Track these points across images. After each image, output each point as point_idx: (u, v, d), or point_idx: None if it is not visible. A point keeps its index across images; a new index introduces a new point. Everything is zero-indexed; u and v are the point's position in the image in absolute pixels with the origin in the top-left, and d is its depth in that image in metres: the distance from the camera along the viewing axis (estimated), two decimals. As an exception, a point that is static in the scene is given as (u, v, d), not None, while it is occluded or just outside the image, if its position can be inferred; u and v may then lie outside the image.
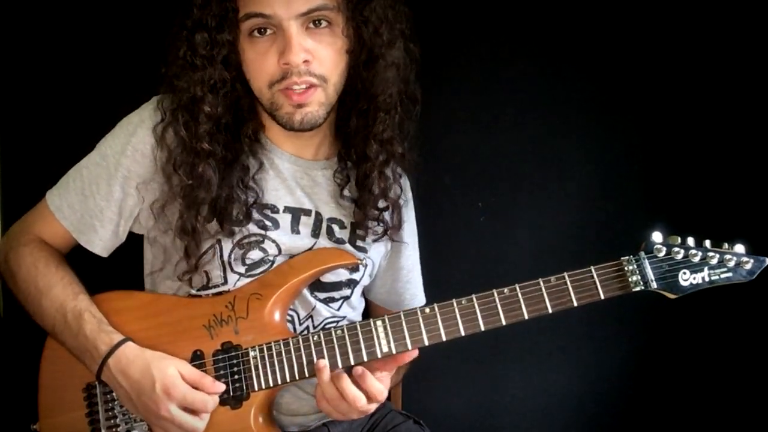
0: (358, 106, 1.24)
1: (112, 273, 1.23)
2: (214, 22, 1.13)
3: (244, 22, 1.13)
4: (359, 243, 1.29)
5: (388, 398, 1.49)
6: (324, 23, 1.14)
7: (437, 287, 1.44)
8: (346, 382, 1.09)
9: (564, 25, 1.72)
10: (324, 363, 1.10)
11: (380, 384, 1.11)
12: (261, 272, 1.20)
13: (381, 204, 1.28)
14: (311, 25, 1.14)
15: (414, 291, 1.44)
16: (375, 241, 1.30)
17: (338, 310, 1.28)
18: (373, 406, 1.12)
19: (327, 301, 1.27)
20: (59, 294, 1.17)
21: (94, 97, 1.55)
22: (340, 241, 1.27)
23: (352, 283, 1.29)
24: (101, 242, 1.23)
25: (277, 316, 1.18)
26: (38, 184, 1.27)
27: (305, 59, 1.12)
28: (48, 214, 1.23)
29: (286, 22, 1.11)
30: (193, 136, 1.15)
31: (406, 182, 1.38)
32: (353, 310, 1.33)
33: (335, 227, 1.27)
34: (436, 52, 1.56)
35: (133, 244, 1.28)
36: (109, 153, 1.20)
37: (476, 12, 1.72)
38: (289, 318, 1.22)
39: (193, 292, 1.21)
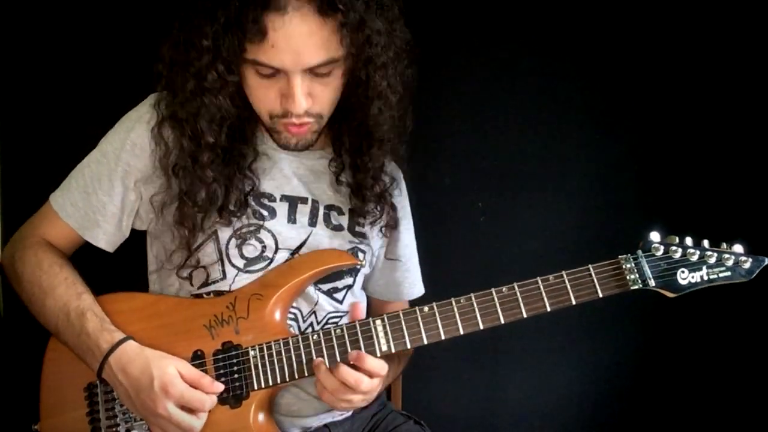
0: (351, 123, 1.25)
1: (116, 273, 1.23)
2: (223, 66, 1.12)
3: (251, 63, 1.12)
4: (358, 228, 1.30)
5: (388, 398, 1.49)
6: (328, 72, 1.14)
7: (436, 286, 1.44)
8: (344, 370, 1.10)
9: (564, 26, 1.72)
10: (320, 360, 1.11)
11: (378, 360, 1.12)
12: (259, 269, 1.21)
13: (377, 188, 1.30)
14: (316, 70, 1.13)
15: (413, 279, 1.44)
16: (372, 223, 1.31)
17: (341, 302, 1.29)
18: (377, 383, 1.13)
19: (330, 293, 1.27)
20: (63, 294, 1.17)
21: (95, 98, 1.56)
22: (338, 228, 1.28)
23: (353, 271, 1.30)
24: (105, 236, 1.24)
25: (277, 315, 1.18)
26: (38, 185, 1.27)
27: (306, 107, 1.13)
28: (52, 214, 1.24)
29: (292, 73, 1.10)
30: (197, 164, 1.16)
31: (399, 173, 1.40)
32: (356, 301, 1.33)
33: (333, 214, 1.28)
34: (437, 51, 1.57)
35: (137, 243, 1.29)
36: (109, 149, 1.22)
37: (477, 12, 1.72)
38: (292, 316, 1.23)
39: (194, 290, 1.21)
